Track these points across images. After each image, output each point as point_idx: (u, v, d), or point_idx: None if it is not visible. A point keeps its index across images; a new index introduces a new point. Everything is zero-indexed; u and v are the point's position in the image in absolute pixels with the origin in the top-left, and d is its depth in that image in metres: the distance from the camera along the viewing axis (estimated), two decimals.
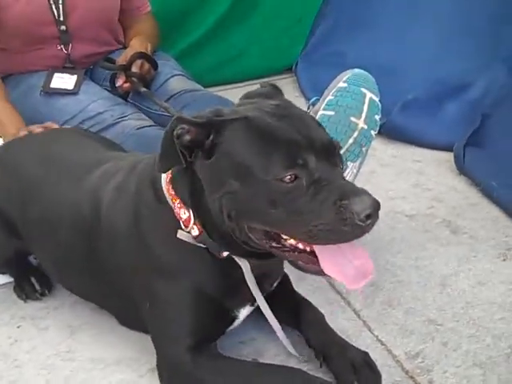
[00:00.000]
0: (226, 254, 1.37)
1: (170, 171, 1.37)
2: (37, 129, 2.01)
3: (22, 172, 1.73)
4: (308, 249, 1.25)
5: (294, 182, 1.20)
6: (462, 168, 2.32)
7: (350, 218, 1.15)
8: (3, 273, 1.85)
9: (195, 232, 1.35)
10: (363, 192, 1.19)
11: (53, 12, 2.31)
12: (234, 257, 1.37)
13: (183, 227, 1.36)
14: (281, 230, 1.25)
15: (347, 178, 1.81)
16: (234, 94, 3.07)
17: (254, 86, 3.22)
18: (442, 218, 2.08)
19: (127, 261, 1.46)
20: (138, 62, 2.35)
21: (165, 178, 1.39)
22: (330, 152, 1.25)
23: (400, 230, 2.03)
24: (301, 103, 3.01)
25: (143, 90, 2.31)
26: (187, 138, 1.25)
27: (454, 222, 2.05)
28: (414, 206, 2.15)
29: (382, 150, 2.46)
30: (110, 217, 1.49)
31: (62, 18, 2.32)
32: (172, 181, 1.37)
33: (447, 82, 2.69)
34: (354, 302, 1.72)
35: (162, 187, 1.39)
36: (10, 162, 1.79)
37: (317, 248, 1.24)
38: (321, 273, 1.25)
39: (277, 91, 1.44)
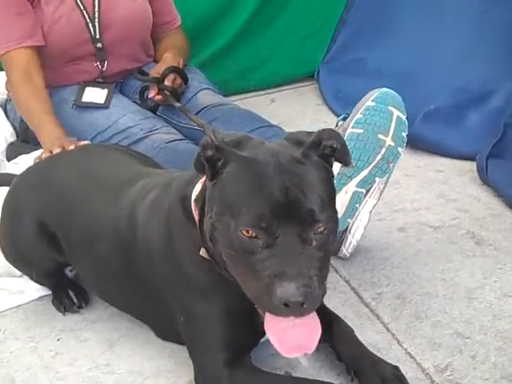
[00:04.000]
0: None
1: (199, 190, 1.41)
2: (69, 146, 2.06)
3: (62, 187, 1.78)
4: None
5: (252, 240, 1.22)
6: (485, 179, 2.34)
7: (273, 296, 1.18)
8: (42, 284, 1.89)
9: None
10: (296, 278, 1.18)
11: (89, 30, 2.36)
12: None
13: None
14: (232, 271, 1.30)
15: (374, 193, 1.87)
16: (256, 101, 3.15)
17: (275, 94, 3.27)
18: (467, 230, 2.11)
19: (162, 277, 1.52)
20: (171, 76, 2.39)
21: (194, 196, 1.43)
22: (304, 224, 1.22)
23: (426, 241, 2.06)
24: (323, 111, 3.07)
25: (178, 105, 2.34)
26: (209, 152, 1.29)
27: (479, 234, 2.08)
28: (439, 217, 2.18)
29: (406, 160, 2.47)
30: (146, 234, 1.54)
31: (98, 36, 2.37)
32: (197, 200, 1.41)
33: (469, 91, 2.71)
34: (383, 314, 1.76)
35: (190, 205, 1.43)
36: (51, 176, 1.83)
37: None
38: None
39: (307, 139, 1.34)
